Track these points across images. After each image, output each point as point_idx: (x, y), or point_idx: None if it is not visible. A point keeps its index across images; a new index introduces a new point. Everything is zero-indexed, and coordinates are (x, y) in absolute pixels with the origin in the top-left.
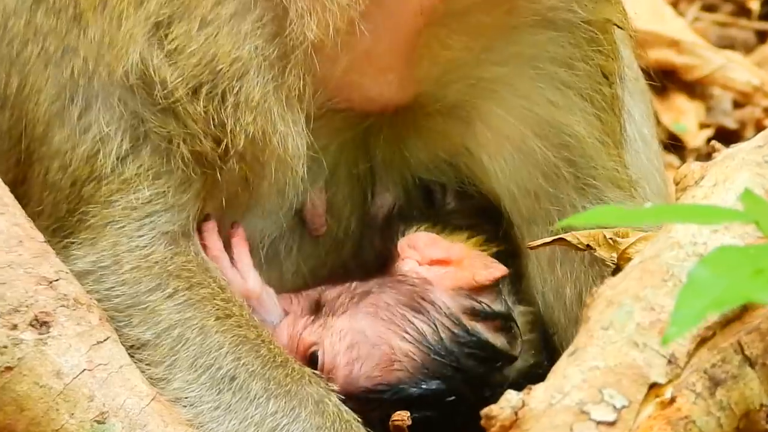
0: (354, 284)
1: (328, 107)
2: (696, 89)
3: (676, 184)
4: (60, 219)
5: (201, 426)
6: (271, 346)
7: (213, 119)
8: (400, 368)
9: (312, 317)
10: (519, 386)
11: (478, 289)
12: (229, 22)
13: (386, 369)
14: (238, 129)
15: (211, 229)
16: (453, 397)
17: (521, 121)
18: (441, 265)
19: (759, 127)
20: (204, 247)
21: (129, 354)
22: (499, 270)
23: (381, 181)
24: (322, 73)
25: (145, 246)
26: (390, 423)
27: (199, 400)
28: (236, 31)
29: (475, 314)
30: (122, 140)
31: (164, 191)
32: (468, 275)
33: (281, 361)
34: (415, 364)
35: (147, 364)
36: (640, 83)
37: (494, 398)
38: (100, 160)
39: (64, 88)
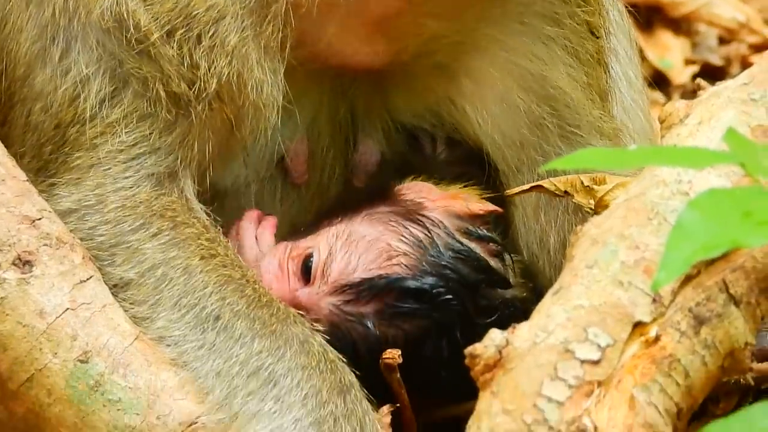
0: (345, 214)
1: (308, 60)
2: (681, 25)
3: (661, 122)
4: (43, 160)
5: (185, 365)
6: (256, 286)
7: (186, 61)
8: (398, 263)
9: (304, 235)
10: (504, 325)
11: (471, 216)
12: None
13: (384, 263)
14: (211, 71)
15: (250, 219)
16: (451, 297)
17: (506, 74)
18: (438, 200)
19: (744, 64)
20: (238, 233)
21: (112, 294)
22: (492, 206)
23: (363, 129)
24: (302, 29)
25: (131, 187)
26: (381, 361)
27: (183, 339)
28: None
29: (469, 234)
30: (103, 83)
31: (149, 134)
32: (462, 204)
33: (266, 301)
34: (412, 262)
35: (131, 304)
36: (625, 21)
37: (487, 317)
38: (83, 103)
39: (45, 28)
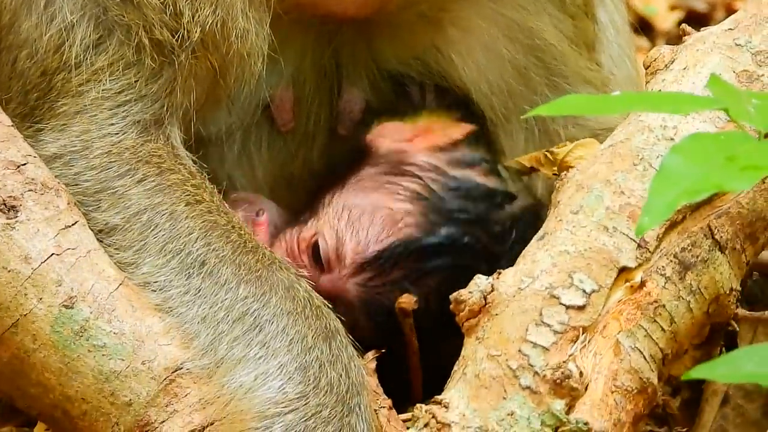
0: (336, 185)
1: (293, 9)
2: None
3: (646, 67)
4: (29, 106)
5: (170, 310)
6: (242, 232)
7: (170, 9)
8: (406, 224)
9: (304, 222)
10: (526, 239)
11: (453, 144)
12: None
13: (393, 229)
14: (195, 19)
15: (264, 223)
16: (467, 239)
17: (492, 24)
18: (414, 138)
19: (729, 10)
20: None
21: (98, 239)
22: (468, 126)
23: (348, 77)
24: None
25: (116, 133)
26: (396, 306)
27: (169, 284)
28: None
29: (458, 163)
30: (88, 29)
31: (134, 81)
32: (439, 134)
33: (252, 247)
34: (418, 219)
35: (116, 249)
36: None
37: (505, 241)
38: (68, 50)
39: None
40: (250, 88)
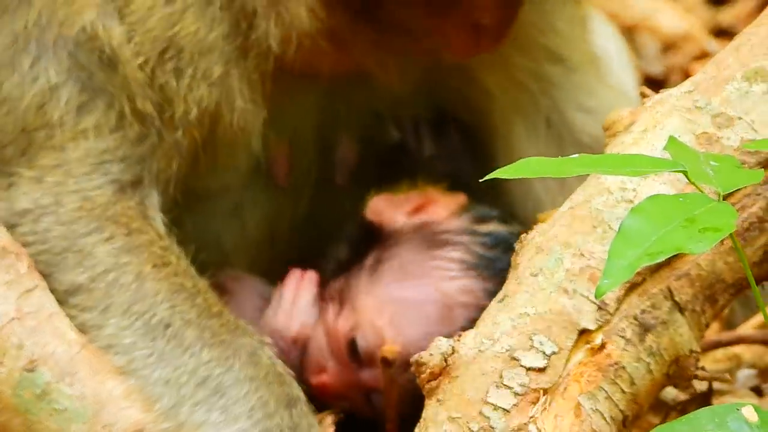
0: (359, 265)
1: (291, 75)
2: (624, 36)
3: (606, 129)
4: (4, 161)
5: (133, 372)
6: (207, 296)
7: (156, 82)
8: (462, 306)
9: (338, 307)
10: None
11: (466, 206)
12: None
13: (446, 317)
14: (191, 100)
15: (306, 279)
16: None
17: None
18: (421, 209)
19: (685, 75)
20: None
21: (63, 299)
22: (458, 194)
23: (344, 126)
24: (285, 61)
25: (91, 189)
26: (380, 353)
27: (133, 346)
28: (202, 14)
29: (481, 221)
30: (73, 91)
31: (119, 144)
32: (446, 200)
33: (216, 311)
34: (474, 294)
35: (80, 310)
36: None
37: None
38: (51, 110)
39: (17, 37)
40: (249, 151)
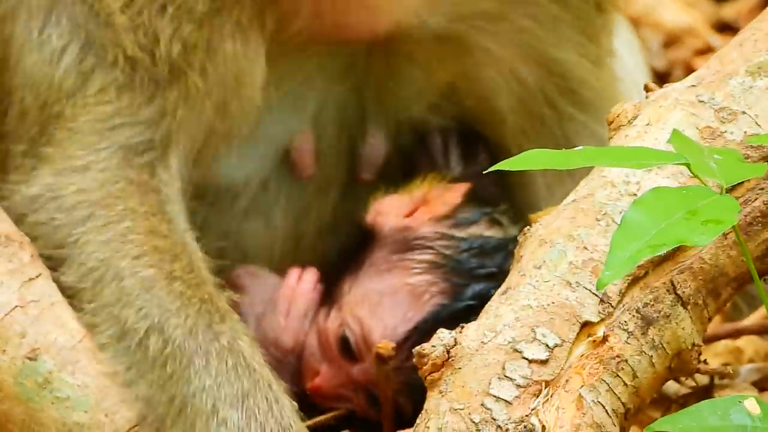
0: (351, 271)
1: (303, 38)
2: None
3: (609, 123)
4: (33, 141)
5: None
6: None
7: (151, 30)
8: (431, 295)
9: (329, 309)
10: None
11: (453, 210)
12: None
13: (417, 304)
14: (175, 38)
15: (308, 280)
16: (492, 286)
17: (512, 50)
18: (413, 213)
19: (688, 69)
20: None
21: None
22: (462, 186)
23: (372, 121)
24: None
25: (99, 162)
26: (375, 351)
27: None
28: None
29: (460, 225)
30: (76, 55)
31: (126, 107)
32: (437, 203)
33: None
34: (442, 286)
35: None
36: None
37: None
38: (59, 79)
39: (30, 11)
40: (267, 133)
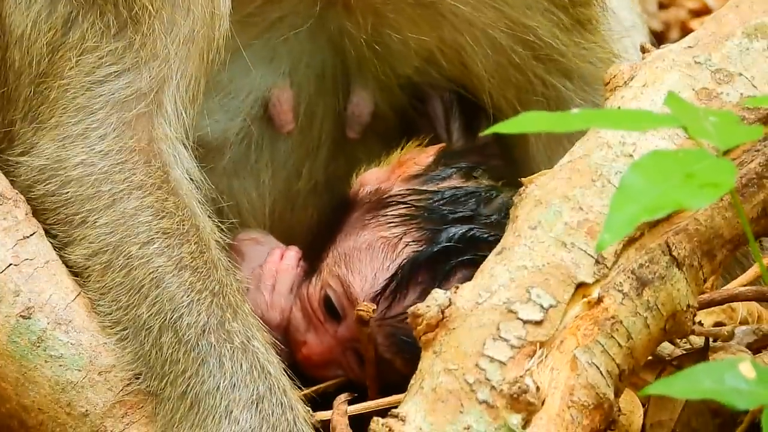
0: (330, 239)
1: None
2: None
3: (606, 84)
4: (27, 101)
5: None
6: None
7: None
8: (406, 244)
9: (310, 280)
10: None
11: (426, 169)
12: None
13: (394, 254)
14: None
15: (291, 257)
16: (470, 232)
17: (488, 16)
18: (389, 177)
19: (684, 30)
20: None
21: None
22: (435, 147)
23: (355, 79)
24: None
25: (95, 127)
26: (355, 313)
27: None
28: None
29: (434, 180)
30: (57, 3)
31: (111, 51)
32: (411, 164)
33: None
34: (416, 235)
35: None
36: None
37: (505, 221)
38: (43, 29)
39: None
40: (244, 86)
